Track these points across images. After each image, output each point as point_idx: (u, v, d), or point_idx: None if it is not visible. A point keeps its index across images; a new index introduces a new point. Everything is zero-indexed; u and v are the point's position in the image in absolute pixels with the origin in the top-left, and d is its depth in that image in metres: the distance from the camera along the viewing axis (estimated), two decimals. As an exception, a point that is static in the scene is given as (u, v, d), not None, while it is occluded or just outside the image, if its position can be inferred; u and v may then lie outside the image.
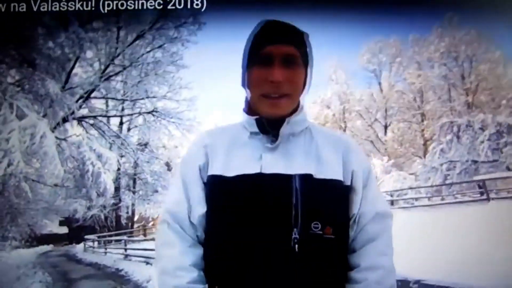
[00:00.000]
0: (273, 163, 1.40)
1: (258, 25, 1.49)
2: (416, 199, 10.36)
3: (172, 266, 1.39)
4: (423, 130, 10.62)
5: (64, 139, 8.74)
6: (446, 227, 7.68)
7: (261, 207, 1.33)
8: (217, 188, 1.41)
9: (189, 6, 5.96)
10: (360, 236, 1.46)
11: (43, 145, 7.70)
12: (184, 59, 9.15)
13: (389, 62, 10.18)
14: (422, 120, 10.60)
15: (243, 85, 1.53)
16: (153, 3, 5.83)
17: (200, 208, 1.43)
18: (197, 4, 5.92)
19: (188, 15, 8.54)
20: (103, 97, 9.42)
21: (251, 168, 1.39)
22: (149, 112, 9.66)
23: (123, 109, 9.80)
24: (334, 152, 1.47)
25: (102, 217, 10.44)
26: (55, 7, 5.78)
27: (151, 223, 11.45)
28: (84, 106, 9.05)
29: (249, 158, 1.42)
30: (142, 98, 9.50)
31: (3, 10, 5.94)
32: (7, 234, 8.48)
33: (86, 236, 10.79)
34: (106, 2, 5.81)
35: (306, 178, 1.38)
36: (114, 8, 5.89)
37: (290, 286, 1.32)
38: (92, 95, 9.05)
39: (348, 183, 1.45)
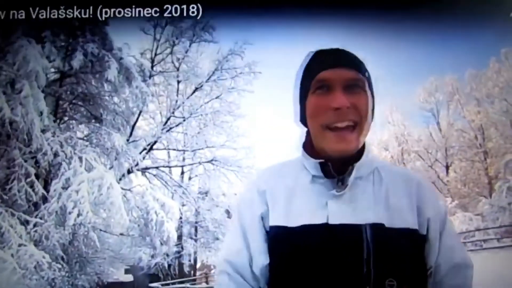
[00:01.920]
0: (340, 211, 1.25)
1: (308, 55, 1.35)
2: (485, 240, 9.88)
3: None
4: (486, 169, 10.22)
5: (129, 190, 9.03)
6: None
7: (329, 261, 1.20)
8: (281, 240, 1.27)
9: (185, 14, 6.00)
10: None
11: (110, 196, 7.93)
12: (240, 108, 9.40)
13: (446, 101, 10.03)
14: (485, 158, 10.21)
15: (299, 120, 1.37)
16: (150, 11, 5.87)
17: (263, 259, 1.29)
18: (192, 12, 5.97)
19: (243, 66, 8.86)
20: (164, 148, 9.78)
21: (316, 217, 1.24)
22: (208, 161, 9.84)
23: (183, 159, 10.09)
24: (407, 197, 1.30)
25: (166, 265, 10.59)
26: (54, 15, 5.92)
27: (213, 270, 11.46)
28: (147, 157, 9.40)
29: (313, 206, 1.27)
30: (202, 148, 9.73)
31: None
32: (77, 282, 8.69)
33: (150, 284, 10.96)
34: (104, 10, 5.91)
35: (378, 228, 1.23)
36: (112, 15, 6.02)
37: None
38: (155, 146, 9.40)
39: (424, 232, 1.29)
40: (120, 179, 8.75)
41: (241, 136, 9.67)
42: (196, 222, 10.73)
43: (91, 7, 5.86)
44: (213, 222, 10.54)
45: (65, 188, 7.61)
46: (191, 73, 9.05)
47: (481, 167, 10.39)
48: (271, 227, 1.29)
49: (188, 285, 10.71)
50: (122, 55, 7.98)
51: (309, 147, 1.34)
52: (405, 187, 1.31)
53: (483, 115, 9.63)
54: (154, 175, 9.61)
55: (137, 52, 8.59)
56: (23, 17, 5.92)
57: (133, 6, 5.73)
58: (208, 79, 8.95)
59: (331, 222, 1.22)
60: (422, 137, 10.62)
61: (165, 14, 5.87)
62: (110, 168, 8.49)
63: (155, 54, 8.96)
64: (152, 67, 8.89)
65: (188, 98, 9.01)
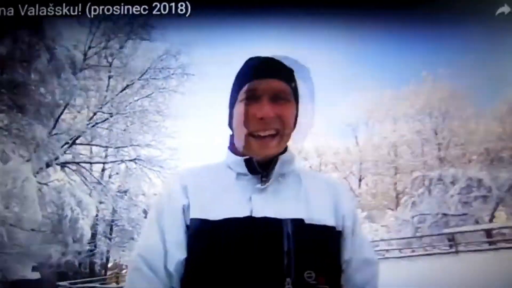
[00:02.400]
0: (263, 206, 1.27)
1: (245, 63, 1.36)
2: (387, 250, 10.39)
3: None
4: (395, 183, 10.87)
5: (46, 184, 8.68)
6: (416, 279, 7.73)
7: (251, 253, 1.21)
8: (202, 233, 1.26)
9: (173, 12, 6.02)
10: (348, 284, 1.34)
11: (24, 190, 7.62)
12: (170, 109, 9.34)
13: (366, 117, 10.56)
14: (395, 173, 10.86)
15: (229, 124, 1.37)
16: (139, 8, 5.83)
17: (179, 254, 1.26)
18: (181, 10, 6.00)
19: (177, 67, 8.83)
20: (88, 144, 9.50)
21: (239, 211, 1.24)
22: (132, 160, 9.69)
23: (106, 156, 9.85)
24: (325, 196, 1.34)
25: (76, 263, 10.26)
26: (43, 11, 5.76)
27: (124, 270, 11.26)
28: (68, 152, 9.06)
29: (237, 201, 1.27)
30: (126, 146, 9.56)
31: None
32: (-21, 278, 8.21)
33: (58, 283, 10.56)
34: (93, 7, 5.82)
35: (298, 223, 1.25)
36: (100, 13, 5.93)
37: None
38: (78, 141, 9.12)
39: (340, 228, 1.32)
40: (37, 173, 8.35)
41: (168, 137, 9.59)
42: (112, 221, 10.49)
43: (80, 4, 5.65)
44: (129, 221, 10.37)
45: (-25, 179, 7.21)
46: (124, 69, 8.87)
47: (391, 181, 11.02)
48: (192, 220, 1.28)
49: (97, 284, 10.43)
50: (54, 45, 7.65)
51: (233, 149, 1.36)
52: (323, 186, 1.37)
53: (397, 133, 10.21)
54: (74, 170, 9.27)
55: (70, 43, 8.24)
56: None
57: (122, 4, 5.60)
58: (141, 77, 8.81)
59: (254, 215, 1.24)
60: (340, 149, 11.06)
61: (155, 12, 5.77)
62: (28, 160, 8.08)
63: (89, 47, 8.65)
64: (84, 60, 8.58)
65: (117, 94, 8.80)
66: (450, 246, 9.61)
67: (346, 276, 1.32)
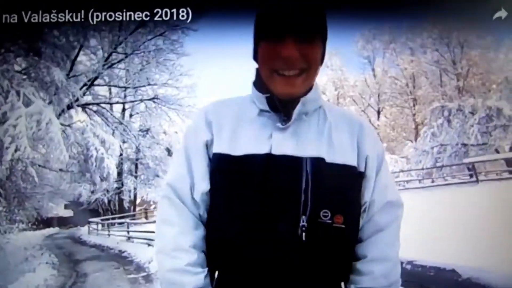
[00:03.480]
0: (283, 144, 1.28)
1: None
2: (408, 181, 10.42)
3: (170, 247, 1.29)
4: (414, 115, 10.71)
5: (69, 126, 8.91)
6: (436, 209, 7.68)
7: (269, 190, 1.23)
8: (223, 167, 1.30)
9: (175, 18, 6.05)
10: (368, 225, 1.36)
11: (49, 131, 7.79)
12: (184, 47, 9.25)
13: (382, 48, 10.30)
14: (414, 105, 10.68)
15: (254, 58, 1.39)
16: (141, 15, 5.88)
17: (204, 185, 1.32)
18: (182, 16, 6.00)
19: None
20: (106, 85, 9.62)
21: (259, 147, 1.28)
22: (150, 99, 9.83)
23: (125, 96, 9.98)
24: (349, 136, 1.35)
25: (106, 200, 10.66)
26: (46, 18, 5.83)
27: (152, 206, 11.62)
28: (87, 93, 9.24)
29: (257, 137, 1.31)
30: (144, 86, 9.66)
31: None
32: (15, 217, 8.61)
33: (90, 219, 11.05)
34: (95, 14, 5.85)
35: (318, 162, 1.27)
36: (103, 19, 5.97)
37: (294, 274, 1.24)
38: (96, 82, 9.23)
39: (362, 169, 1.34)
40: (60, 115, 8.57)
41: (184, 75, 9.59)
42: (137, 159, 10.77)
43: (82, 11, 5.68)
44: (153, 160, 10.60)
45: (1, 122, 7.38)
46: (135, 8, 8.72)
47: (409, 113, 10.85)
48: (214, 154, 1.32)
49: (127, 220, 10.85)
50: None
51: (259, 84, 1.37)
52: (347, 126, 1.37)
53: (415, 64, 9.98)
54: (95, 111, 9.50)
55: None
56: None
57: (124, 10, 5.62)
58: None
59: (274, 152, 1.26)
60: (358, 82, 10.88)
61: (156, 18, 5.79)
62: (49, 103, 8.29)
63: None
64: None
65: (131, 34, 8.80)
66: (470, 175, 9.55)
67: (367, 216, 1.36)
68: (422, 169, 10.34)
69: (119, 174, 10.46)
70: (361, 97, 10.88)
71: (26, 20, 5.78)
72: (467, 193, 8.68)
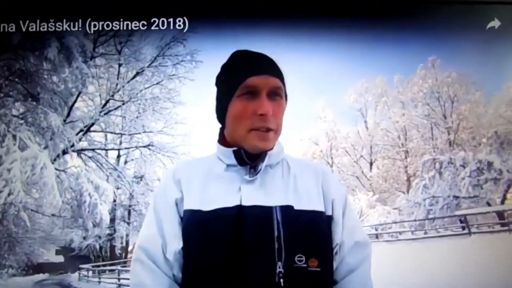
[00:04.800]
0: (252, 195, 1.35)
1: (234, 56, 1.48)
2: (400, 232, 10.22)
3: None
4: (406, 167, 10.75)
5: (63, 171, 8.93)
6: (428, 260, 7.63)
7: (242, 240, 1.27)
8: (194, 223, 1.35)
9: (172, 27, 6.15)
10: (341, 266, 1.42)
11: (43, 176, 7.84)
12: (180, 96, 9.34)
13: (374, 101, 10.46)
14: (406, 157, 10.73)
15: (218, 118, 1.50)
16: (138, 24, 5.97)
17: (176, 243, 1.36)
18: (179, 25, 6.11)
19: (185, 54, 8.91)
20: (102, 131, 9.70)
21: (230, 200, 1.34)
22: (145, 146, 9.86)
23: (120, 143, 9.99)
24: (313, 182, 1.43)
25: (97, 247, 10.51)
26: (43, 27, 5.93)
27: (144, 254, 11.45)
28: (83, 139, 9.29)
29: (227, 191, 1.37)
30: (139, 133, 9.74)
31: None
32: (5, 262, 8.50)
33: (81, 266, 10.86)
34: (93, 23, 5.97)
35: (287, 210, 1.33)
36: (100, 28, 6.09)
37: None
38: (92, 128, 9.33)
39: (329, 213, 1.41)
40: (55, 160, 8.64)
41: (179, 123, 9.63)
42: (130, 206, 10.69)
43: (80, 20, 5.88)
44: (146, 206, 10.39)
45: (-4, 166, 7.45)
46: (133, 57, 8.99)
47: (401, 165, 10.87)
48: (185, 211, 1.38)
49: (119, 267, 10.67)
50: (63, 33, 7.84)
51: (223, 142, 1.46)
52: (311, 173, 1.47)
53: (406, 117, 10.10)
54: (90, 157, 9.51)
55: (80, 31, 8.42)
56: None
57: (121, 20, 5.80)
58: (150, 64, 8.97)
59: (244, 203, 1.33)
60: (350, 134, 10.90)
61: (153, 27, 5.95)
62: (45, 148, 8.39)
63: (98, 35, 8.83)
64: (94, 48, 8.78)
65: (128, 82, 8.98)
66: (463, 228, 9.45)
67: (338, 258, 1.43)
68: (415, 220, 10.23)
69: (112, 220, 10.36)
70: (353, 148, 10.92)
71: (24, 29, 5.86)
72: (460, 245, 8.65)
